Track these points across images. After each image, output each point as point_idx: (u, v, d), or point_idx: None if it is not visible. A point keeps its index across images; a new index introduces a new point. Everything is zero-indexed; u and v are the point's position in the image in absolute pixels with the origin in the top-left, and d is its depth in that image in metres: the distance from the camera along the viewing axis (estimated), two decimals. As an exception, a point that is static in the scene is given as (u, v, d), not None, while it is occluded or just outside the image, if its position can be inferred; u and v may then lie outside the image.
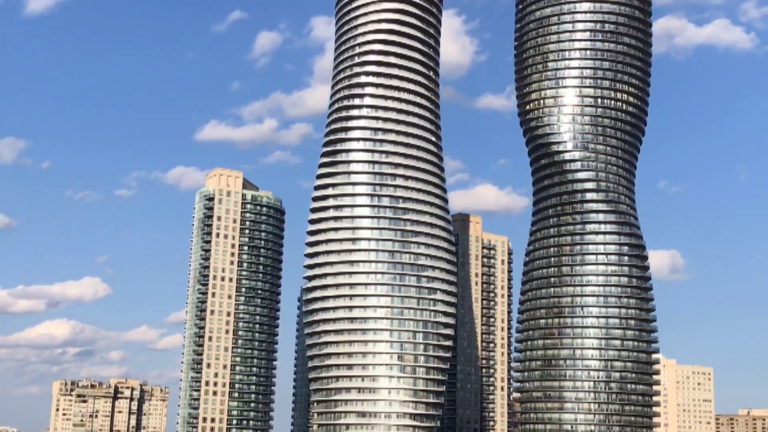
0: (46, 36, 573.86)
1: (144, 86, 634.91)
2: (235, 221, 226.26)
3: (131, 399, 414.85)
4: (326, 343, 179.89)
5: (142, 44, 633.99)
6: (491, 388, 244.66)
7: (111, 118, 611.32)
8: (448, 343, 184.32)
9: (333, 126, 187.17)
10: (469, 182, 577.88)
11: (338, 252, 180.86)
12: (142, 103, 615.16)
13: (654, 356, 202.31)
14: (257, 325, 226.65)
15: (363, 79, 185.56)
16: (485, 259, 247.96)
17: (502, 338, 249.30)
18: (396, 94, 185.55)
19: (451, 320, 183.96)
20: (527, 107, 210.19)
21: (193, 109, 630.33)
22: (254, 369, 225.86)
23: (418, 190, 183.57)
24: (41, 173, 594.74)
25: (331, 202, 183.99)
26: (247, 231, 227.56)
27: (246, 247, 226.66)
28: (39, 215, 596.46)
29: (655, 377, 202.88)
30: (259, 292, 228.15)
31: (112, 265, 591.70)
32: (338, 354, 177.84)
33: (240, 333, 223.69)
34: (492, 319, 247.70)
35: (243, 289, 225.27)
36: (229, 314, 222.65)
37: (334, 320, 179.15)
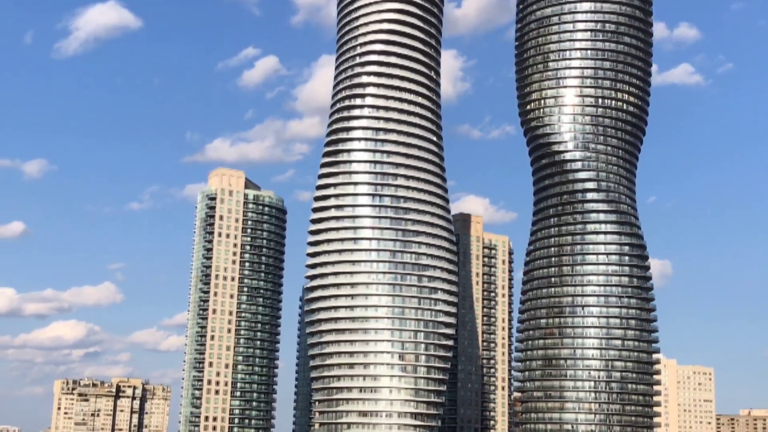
0: (73, 75, 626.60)
1: (159, 119, 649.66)
2: (237, 221, 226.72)
3: (133, 398, 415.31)
4: (328, 343, 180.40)
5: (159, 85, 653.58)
6: (492, 387, 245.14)
7: (129, 144, 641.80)
8: (449, 342, 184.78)
9: (334, 126, 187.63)
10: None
11: (339, 251, 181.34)
12: (157, 130, 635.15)
13: (654, 356, 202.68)
14: (259, 325, 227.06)
15: (364, 79, 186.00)
16: (486, 259, 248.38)
17: (503, 338, 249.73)
18: (397, 93, 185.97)
19: (452, 320, 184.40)
20: (528, 107, 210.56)
21: (202, 129, 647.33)
22: (256, 368, 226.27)
23: (420, 190, 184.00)
24: (62, 188, 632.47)
25: (332, 201, 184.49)
26: (249, 230, 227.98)
27: (248, 247, 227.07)
28: (55, 225, 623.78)
29: (655, 377, 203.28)
30: (261, 291, 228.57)
31: (125, 271, 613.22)
32: (340, 353, 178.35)
33: (242, 332, 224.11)
34: (493, 319, 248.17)
35: (245, 289, 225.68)
36: (231, 313, 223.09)
37: (336, 319, 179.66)
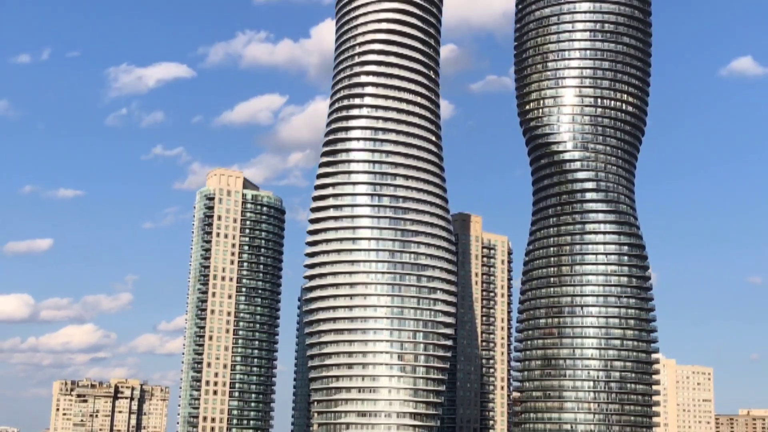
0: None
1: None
2: (235, 221, 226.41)
3: (131, 399, 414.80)
4: (326, 343, 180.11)
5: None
6: (491, 387, 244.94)
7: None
8: (448, 342, 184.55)
9: (333, 125, 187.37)
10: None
11: (338, 251, 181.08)
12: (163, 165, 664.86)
13: (654, 356, 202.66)
14: (257, 325, 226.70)
15: (363, 78, 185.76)
16: (485, 259, 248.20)
17: (502, 338, 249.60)
18: (396, 93, 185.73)
19: (451, 320, 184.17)
20: (527, 107, 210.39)
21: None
22: (254, 368, 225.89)
23: (419, 190, 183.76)
24: (87, 209, 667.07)
25: (331, 201, 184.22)
26: (247, 230, 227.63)
27: (246, 247, 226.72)
28: (77, 240, 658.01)
29: (654, 377, 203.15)
30: (260, 291, 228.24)
31: (138, 282, 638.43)
32: (338, 353, 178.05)
33: (240, 333, 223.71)
34: (492, 319, 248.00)
35: (243, 289, 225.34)
36: (229, 314, 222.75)
37: (335, 320, 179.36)
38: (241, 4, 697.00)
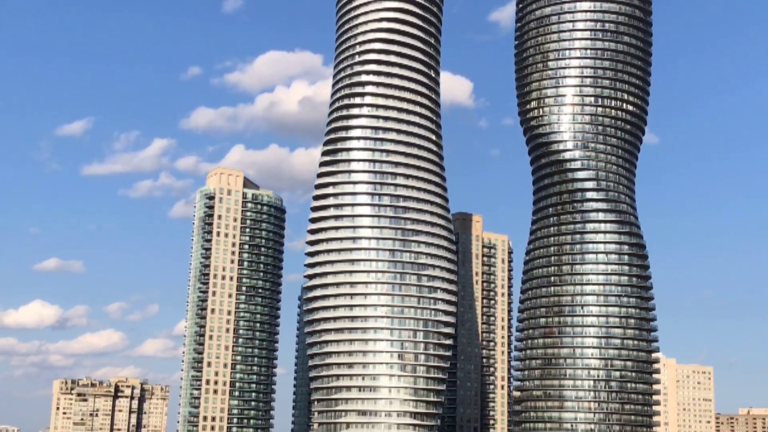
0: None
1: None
2: (235, 220, 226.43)
3: (132, 398, 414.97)
4: (327, 342, 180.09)
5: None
6: (491, 386, 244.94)
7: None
8: (449, 341, 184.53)
9: (333, 125, 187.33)
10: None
11: (338, 251, 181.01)
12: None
13: (654, 355, 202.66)
14: (258, 324, 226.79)
15: (363, 78, 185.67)
16: (485, 258, 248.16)
17: (503, 337, 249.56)
18: (396, 93, 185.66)
19: (451, 319, 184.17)
20: (527, 106, 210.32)
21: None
22: (255, 368, 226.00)
23: (419, 189, 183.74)
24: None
25: (331, 200, 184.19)
26: (247, 230, 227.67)
27: (246, 246, 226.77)
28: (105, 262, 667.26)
29: (655, 376, 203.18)
30: (260, 290, 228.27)
31: (160, 292, 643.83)
32: (339, 353, 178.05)
33: (240, 332, 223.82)
34: (492, 318, 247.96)
35: (243, 288, 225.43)
36: (229, 313, 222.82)
37: (335, 319, 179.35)
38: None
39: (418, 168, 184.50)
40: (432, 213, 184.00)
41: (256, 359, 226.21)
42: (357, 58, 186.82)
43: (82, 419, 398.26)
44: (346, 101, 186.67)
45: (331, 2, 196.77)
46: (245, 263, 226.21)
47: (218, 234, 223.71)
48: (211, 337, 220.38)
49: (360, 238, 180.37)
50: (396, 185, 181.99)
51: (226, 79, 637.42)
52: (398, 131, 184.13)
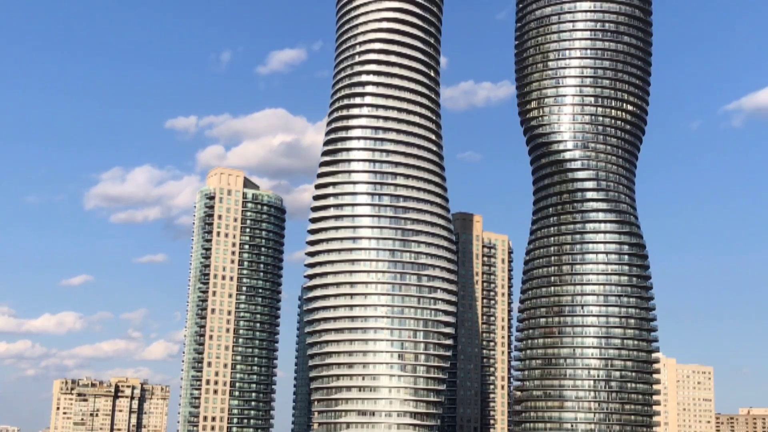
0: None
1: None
2: (235, 220, 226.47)
3: (132, 398, 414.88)
4: (327, 342, 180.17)
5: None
6: (492, 386, 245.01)
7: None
8: (449, 341, 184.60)
9: (333, 125, 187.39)
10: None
11: (339, 251, 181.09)
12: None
13: (654, 355, 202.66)
14: (258, 324, 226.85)
15: (363, 78, 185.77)
16: (486, 258, 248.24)
17: (503, 337, 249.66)
18: (396, 93, 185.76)
19: (451, 319, 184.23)
20: (527, 106, 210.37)
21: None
22: (255, 368, 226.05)
23: (419, 189, 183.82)
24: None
25: (331, 201, 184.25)
26: (247, 230, 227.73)
27: (247, 246, 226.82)
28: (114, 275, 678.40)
29: (655, 376, 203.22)
30: (260, 290, 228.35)
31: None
32: (339, 353, 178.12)
33: (241, 332, 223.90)
34: (492, 318, 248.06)
35: (244, 288, 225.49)
36: (229, 313, 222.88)
37: (335, 319, 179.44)
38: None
39: (418, 168, 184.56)
40: (432, 213, 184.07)
41: (256, 359, 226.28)
42: (357, 58, 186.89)
43: (82, 419, 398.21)
44: (346, 101, 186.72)
45: (331, 2, 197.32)
46: (245, 263, 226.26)
47: (218, 234, 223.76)
48: (211, 337, 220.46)
49: (360, 238, 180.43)
50: (396, 185, 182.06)
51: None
52: (398, 131, 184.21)
